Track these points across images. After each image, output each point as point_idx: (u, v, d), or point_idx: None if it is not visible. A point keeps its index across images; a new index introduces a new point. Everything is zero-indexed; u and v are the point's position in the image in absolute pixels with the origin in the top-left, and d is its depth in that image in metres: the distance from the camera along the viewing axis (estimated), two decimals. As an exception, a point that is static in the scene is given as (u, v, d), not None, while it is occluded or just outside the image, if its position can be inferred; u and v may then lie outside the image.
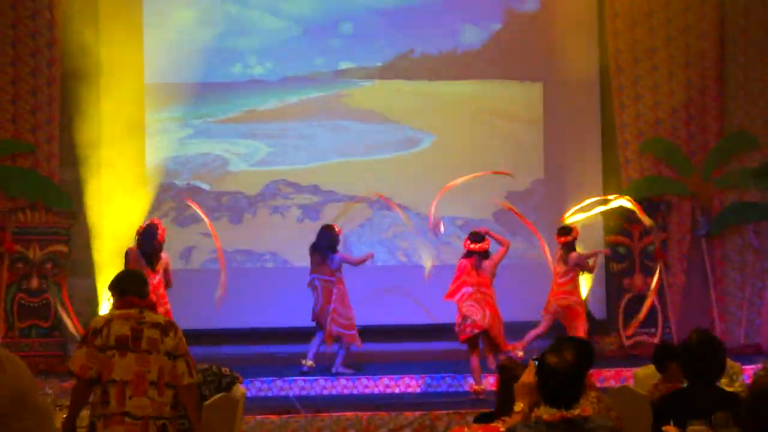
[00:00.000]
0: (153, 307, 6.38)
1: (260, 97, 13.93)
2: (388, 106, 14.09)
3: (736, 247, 13.70)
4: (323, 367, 11.96)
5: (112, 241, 12.68)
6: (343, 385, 11.74)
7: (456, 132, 14.04)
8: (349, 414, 10.31)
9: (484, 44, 14.18)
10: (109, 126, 13.09)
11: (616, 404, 6.47)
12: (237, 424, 7.84)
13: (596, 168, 14.02)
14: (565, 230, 11.95)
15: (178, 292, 11.76)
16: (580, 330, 11.70)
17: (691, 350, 5.52)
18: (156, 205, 13.25)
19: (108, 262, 12.64)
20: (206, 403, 7.36)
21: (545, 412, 4.10)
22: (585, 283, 12.17)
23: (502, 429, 5.21)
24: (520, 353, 11.40)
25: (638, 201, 13.41)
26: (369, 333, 12.21)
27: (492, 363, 11.15)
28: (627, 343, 13.40)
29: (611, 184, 13.83)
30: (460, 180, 12.63)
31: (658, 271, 13.18)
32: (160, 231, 11.35)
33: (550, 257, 12.26)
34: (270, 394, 11.57)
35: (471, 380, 11.31)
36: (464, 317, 11.10)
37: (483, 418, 5.69)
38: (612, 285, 13.73)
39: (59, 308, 12.51)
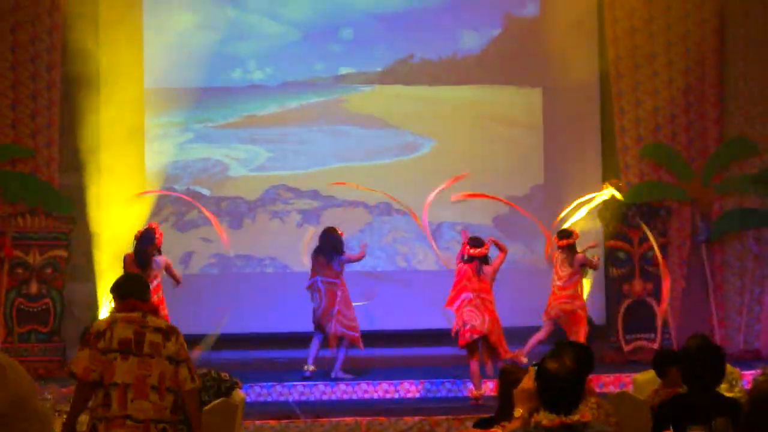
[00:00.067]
0: (155, 311, 6.39)
1: (260, 102, 13.94)
2: (388, 112, 14.09)
3: (735, 252, 13.69)
4: (323, 372, 11.95)
5: (112, 246, 12.69)
6: (343, 391, 11.74)
7: (456, 137, 14.04)
8: (348, 419, 10.30)
9: (484, 49, 14.19)
10: (109, 131, 13.10)
11: (616, 410, 6.46)
12: (236, 429, 7.84)
13: (596, 173, 14.01)
14: (567, 233, 11.96)
15: (178, 297, 11.75)
16: (581, 335, 11.70)
17: (691, 356, 5.52)
18: (156, 210, 13.24)
19: (108, 267, 12.65)
20: (206, 408, 7.36)
21: (545, 418, 4.10)
22: (585, 287, 12.17)
23: (501, 434, 5.20)
24: (524, 359, 11.38)
25: (638, 206, 13.43)
26: (368, 338, 12.19)
27: (490, 369, 11.15)
28: (626, 348, 13.41)
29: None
30: (432, 195, 12.55)
31: (665, 277, 13.13)
32: (157, 235, 11.37)
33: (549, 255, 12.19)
34: (269, 399, 11.56)
35: (470, 385, 11.31)
36: (464, 322, 11.10)
37: (482, 424, 5.69)
38: (611, 290, 13.73)
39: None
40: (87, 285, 13.04)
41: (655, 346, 13.24)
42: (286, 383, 11.72)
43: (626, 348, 13.41)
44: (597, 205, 12.97)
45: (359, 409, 10.77)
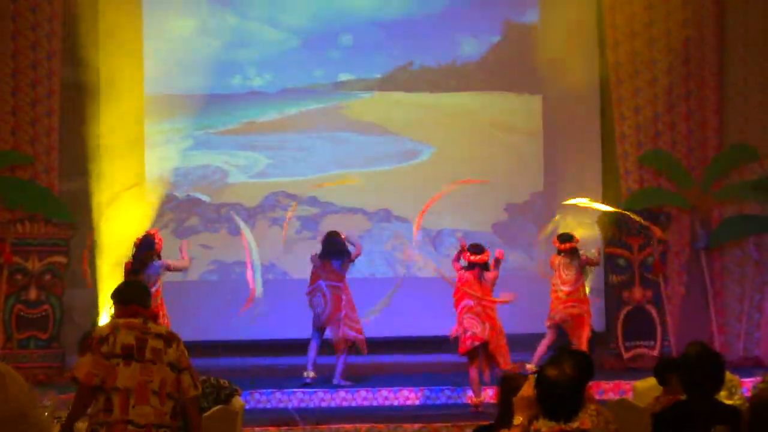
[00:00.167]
0: (155, 318, 6.41)
1: (260, 109, 13.95)
2: (388, 118, 14.10)
3: (735, 259, 13.69)
4: (323, 378, 11.94)
5: (111, 253, 12.68)
6: (342, 398, 11.72)
7: (455, 144, 14.04)
8: (347, 426, 10.29)
9: (483, 56, 14.20)
10: (109, 137, 13.09)
11: (615, 417, 6.45)
12: (236, 436, 7.84)
13: (596, 180, 14.01)
14: (568, 236, 11.98)
15: (177, 303, 11.75)
16: (585, 338, 11.72)
17: (690, 363, 5.51)
18: (156, 217, 13.23)
19: (108, 273, 12.64)
20: (205, 414, 7.35)
21: (544, 425, 4.10)
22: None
23: (501, 442, 5.20)
24: (533, 368, 11.33)
25: (638, 212, 13.42)
26: (368, 345, 12.19)
27: (487, 376, 11.15)
28: (626, 355, 13.40)
29: (611, 195, 13.82)
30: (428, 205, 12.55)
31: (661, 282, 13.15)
32: (157, 241, 11.36)
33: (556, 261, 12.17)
34: (269, 406, 11.55)
35: (470, 393, 11.30)
36: (464, 329, 11.10)
37: (482, 431, 5.68)
38: (611, 297, 13.72)
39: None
40: (86, 291, 13.04)
41: (655, 353, 13.24)
42: (285, 390, 11.72)
43: (626, 355, 13.40)
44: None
45: (359, 416, 10.76)
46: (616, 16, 13.64)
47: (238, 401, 8.09)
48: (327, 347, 12.03)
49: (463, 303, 11.19)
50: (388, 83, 14.11)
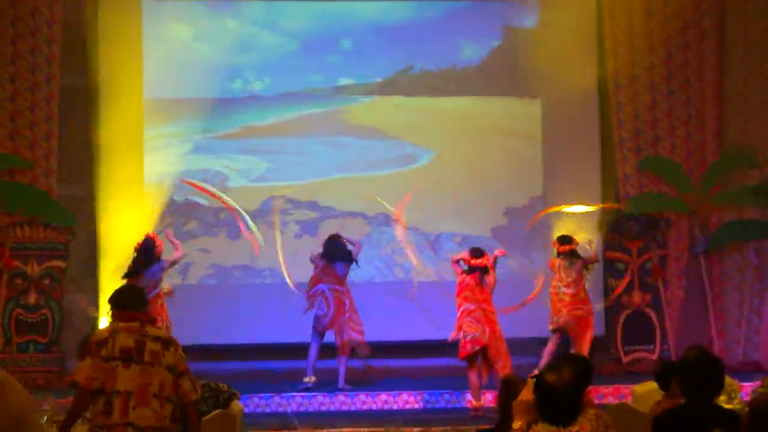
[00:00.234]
0: (153, 321, 6.44)
1: (259, 113, 13.93)
2: (388, 122, 14.09)
3: (734, 264, 13.69)
4: (323, 383, 11.94)
5: (111, 257, 12.69)
6: (342, 401, 11.72)
7: (455, 148, 14.04)
8: (347, 430, 10.29)
9: (484, 60, 14.19)
10: (108, 142, 13.10)
11: (615, 421, 6.45)
12: (235, 440, 7.84)
13: (595, 184, 14.01)
14: (568, 238, 12.00)
15: (176, 308, 11.74)
16: (588, 340, 11.74)
17: (690, 367, 5.51)
18: (157, 221, 13.22)
19: (108, 277, 12.64)
20: (204, 419, 7.35)
21: (543, 430, 4.10)
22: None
23: (500, 446, 5.19)
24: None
25: (637, 217, 13.44)
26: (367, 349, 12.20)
27: (485, 380, 11.15)
28: (625, 360, 13.40)
29: (610, 200, 13.82)
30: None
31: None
32: (158, 244, 11.39)
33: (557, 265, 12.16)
34: (268, 410, 11.54)
35: (470, 397, 11.30)
36: (464, 333, 11.10)
37: (481, 436, 5.68)
38: (610, 301, 13.70)
39: None
40: (86, 295, 13.04)
41: (654, 357, 13.24)
42: (284, 394, 11.71)
43: (625, 359, 13.40)
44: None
45: (358, 420, 10.76)
46: (616, 22, 13.66)
47: (237, 405, 8.09)
48: (326, 351, 12.03)
49: (464, 307, 11.19)
50: (388, 87, 14.10)
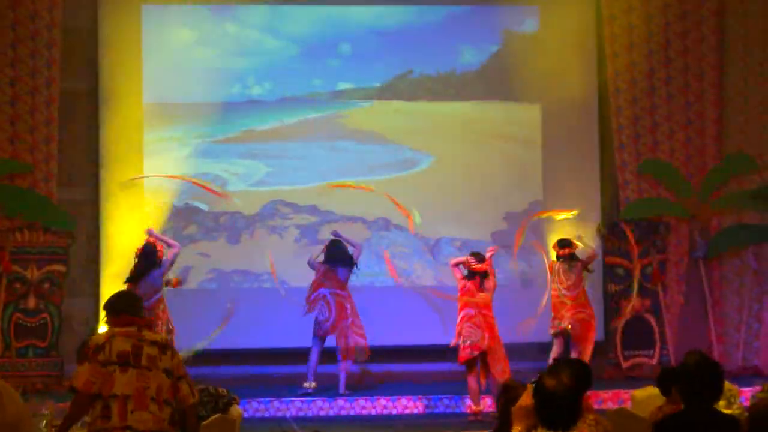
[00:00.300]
0: (150, 326, 6.44)
1: (259, 118, 13.94)
2: (387, 127, 14.09)
3: (734, 269, 13.69)
4: (322, 388, 11.92)
5: (111, 261, 12.68)
6: (341, 406, 11.71)
7: (455, 153, 14.04)
8: (346, 435, 10.30)
9: (483, 65, 14.19)
10: (108, 146, 13.11)
11: (614, 426, 6.44)
12: (234, 445, 7.83)
13: (594, 189, 14.01)
14: (567, 242, 11.99)
15: (176, 312, 11.73)
16: (591, 343, 11.73)
17: (689, 372, 5.50)
18: (157, 225, 13.21)
19: (108, 282, 12.64)
20: (203, 423, 7.35)
21: (542, 435, 4.10)
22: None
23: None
24: None
25: (637, 222, 13.44)
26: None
27: (483, 385, 11.15)
28: (625, 365, 13.39)
29: (609, 205, 13.83)
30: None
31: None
32: (159, 248, 11.40)
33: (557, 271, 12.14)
34: (267, 414, 11.54)
35: (469, 402, 11.29)
36: (464, 338, 11.10)
37: (481, 440, 5.68)
38: (610, 306, 13.70)
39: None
40: (85, 300, 13.04)
41: (654, 362, 13.23)
42: (283, 399, 11.70)
43: (625, 364, 13.39)
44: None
45: (358, 425, 10.76)
46: (615, 26, 13.66)
47: (237, 410, 8.08)
48: (326, 356, 12.03)
49: (464, 312, 11.19)
50: (388, 92, 14.11)
